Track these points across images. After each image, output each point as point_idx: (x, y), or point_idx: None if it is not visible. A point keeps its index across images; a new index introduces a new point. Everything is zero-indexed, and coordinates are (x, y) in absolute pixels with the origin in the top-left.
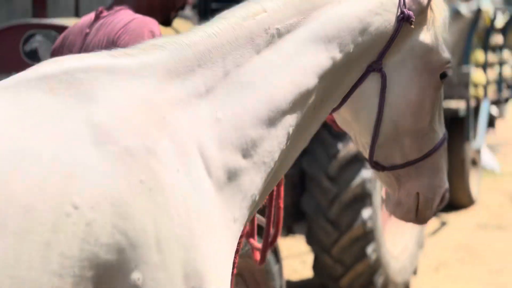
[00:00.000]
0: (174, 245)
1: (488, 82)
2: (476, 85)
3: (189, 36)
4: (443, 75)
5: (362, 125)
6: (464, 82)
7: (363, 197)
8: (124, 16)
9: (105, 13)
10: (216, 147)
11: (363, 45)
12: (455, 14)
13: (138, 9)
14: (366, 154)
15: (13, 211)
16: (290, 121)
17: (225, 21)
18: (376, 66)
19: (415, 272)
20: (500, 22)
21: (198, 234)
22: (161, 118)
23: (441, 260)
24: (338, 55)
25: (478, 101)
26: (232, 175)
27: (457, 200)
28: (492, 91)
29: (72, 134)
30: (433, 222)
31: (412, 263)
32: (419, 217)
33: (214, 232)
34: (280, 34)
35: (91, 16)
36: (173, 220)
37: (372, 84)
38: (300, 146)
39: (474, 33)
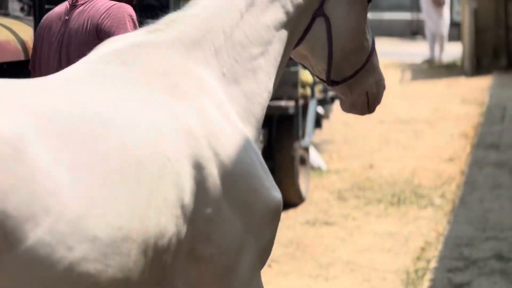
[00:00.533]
0: (239, 177)
1: (315, 82)
2: (304, 85)
3: (193, 10)
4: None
5: (318, 57)
6: (293, 81)
7: None
8: (103, 2)
9: (81, 1)
10: (225, 94)
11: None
12: None
13: None
14: (323, 77)
15: (130, 163)
16: (272, 55)
17: None
18: (319, 12)
19: None
20: None
21: (249, 162)
22: (197, 79)
23: (273, 256)
24: (291, 10)
25: (306, 101)
26: (247, 100)
27: (287, 198)
28: (318, 90)
29: (151, 98)
30: None
31: None
32: (370, 109)
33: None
34: (252, 1)
35: (65, 4)
36: (230, 154)
37: (320, 26)
38: (278, 78)
39: None
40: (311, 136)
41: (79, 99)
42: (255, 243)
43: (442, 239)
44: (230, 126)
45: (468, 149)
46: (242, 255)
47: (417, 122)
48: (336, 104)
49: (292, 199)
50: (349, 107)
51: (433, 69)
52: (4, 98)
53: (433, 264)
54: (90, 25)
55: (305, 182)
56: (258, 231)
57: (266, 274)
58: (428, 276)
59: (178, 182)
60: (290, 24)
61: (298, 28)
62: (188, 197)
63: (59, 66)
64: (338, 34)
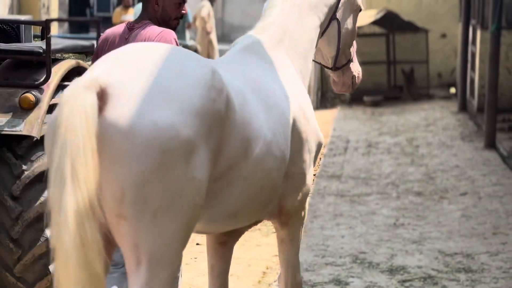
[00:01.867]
0: (310, 122)
1: None
2: None
3: (270, 19)
4: (360, 10)
5: (331, 49)
6: None
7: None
8: (154, 29)
9: (136, 25)
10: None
11: (328, 9)
12: None
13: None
14: (331, 65)
15: (279, 112)
16: (313, 47)
17: (279, 5)
18: (333, 17)
19: None
20: None
21: (313, 113)
22: (286, 63)
23: None
24: (321, 17)
25: None
26: (301, 75)
27: None
28: None
29: (273, 75)
30: None
31: None
32: (353, 89)
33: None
34: (301, 11)
35: (122, 26)
36: (307, 108)
37: (334, 27)
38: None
39: None
40: None
41: (246, 71)
42: (312, 165)
43: None
44: (303, 88)
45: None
46: (309, 172)
47: None
48: None
49: None
50: (340, 87)
51: None
52: (215, 65)
53: (274, 287)
54: None
55: None
56: (314, 157)
57: None
58: None
59: (288, 128)
60: (320, 26)
61: (322, 28)
62: (290, 135)
63: None
64: (344, 33)
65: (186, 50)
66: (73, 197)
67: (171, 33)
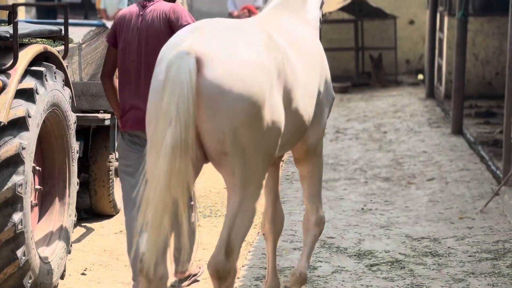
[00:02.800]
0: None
1: None
2: None
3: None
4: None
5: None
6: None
7: (14, 201)
8: (165, 3)
9: (147, 4)
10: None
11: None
12: (103, 28)
13: None
14: None
15: (310, 58)
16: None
17: None
18: (321, 6)
19: (62, 276)
20: None
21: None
22: (307, 21)
23: (87, 265)
24: (319, 3)
25: None
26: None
27: (101, 209)
28: None
29: (299, 28)
30: (78, 230)
31: (59, 267)
32: None
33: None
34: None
35: (135, 6)
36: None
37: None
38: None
39: None
40: None
41: (282, 26)
42: (328, 108)
43: (251, 249)
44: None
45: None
46: (326, 114)
47: None
48: None
49: (107, 210)
50: None
51: None
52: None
53: (242, 272)
54: (162, 17)
55: (119, 194)
56: (330, 104)
57: (80, 281)
58: (237, 284)
59: (317, 73)
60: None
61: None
62: (318, 79)
63: (138, 44)
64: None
65: (242, 22)
66: (174, 135)
67: (179, 5)
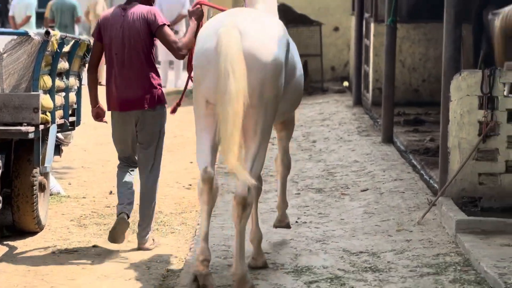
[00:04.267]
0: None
1: (55, 108)
2: (44, 110)
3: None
4: None
5: None
6: (34, 106)
7: None
8: (143, 6)
9: (128, 7)
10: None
11: None
12: (25, 37)
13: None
14: None
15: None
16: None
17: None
18: None
19: None
20: (67, 46)
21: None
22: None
23: (11, 287)
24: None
25: (47, 126)
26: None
27: (25, 226)
28: (58, 116)
29: (271, 21)
30: (0, 249)
31: None
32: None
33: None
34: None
35: (116, 8)
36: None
37: None
38: None
39: (43, 57)
40: (51, 162)
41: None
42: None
43: (183, 265)
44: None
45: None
46: (302, 89)
47: None
48: (76, 131)
49: (31, 227)
50: None
51: (169, 95)
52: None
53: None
54: (142, 18)
55: (44, 209)
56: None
57: None
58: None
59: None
60: None
61: None
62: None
63: (122, 39)
64: None
65: (263, 12)
66: (233, 85)
67: (155, 8)
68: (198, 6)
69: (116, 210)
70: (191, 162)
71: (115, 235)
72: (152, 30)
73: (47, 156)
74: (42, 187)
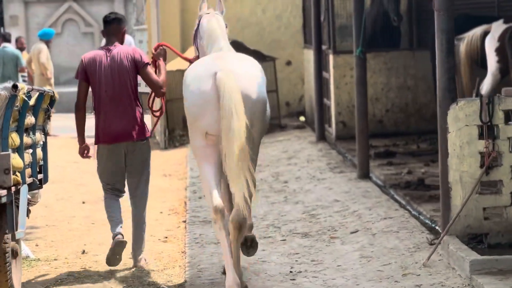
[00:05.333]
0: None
1: (25, 166)
2: (14, 171)
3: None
4: None
5: None
6: (5, 167)
7: None
8: (126, 47)
9: (111, 47)
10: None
11: None
12: None
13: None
14: None
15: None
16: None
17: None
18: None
19: None
20: (32, 100)
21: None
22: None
23: None
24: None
25: (18, 188)
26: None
27: None
28: (27, 175)
29: (248, 61)
30: None
31: None
32: None
33: None
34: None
35: (100, 50)
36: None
37: None
38: None
39: (11, 113)
40: (24, 226)
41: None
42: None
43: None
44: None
45: (182, 226)
46: (265, 124)
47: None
48: (43, 189)
49: None
50: None
51: None
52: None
53: None
54: (129, 57)
55: (17, 277)
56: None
57: None
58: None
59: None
60: None
61: None
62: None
63: (111, 77)
64: None
65: (233, 51)
66: (236, 123)
67: (137, 49)
68: (161, 47)
69: (110, 237)
70: (161, 212)
71: (115, 260)
72: (138, 68)
73: (20, 219)
74: (15, 254)
